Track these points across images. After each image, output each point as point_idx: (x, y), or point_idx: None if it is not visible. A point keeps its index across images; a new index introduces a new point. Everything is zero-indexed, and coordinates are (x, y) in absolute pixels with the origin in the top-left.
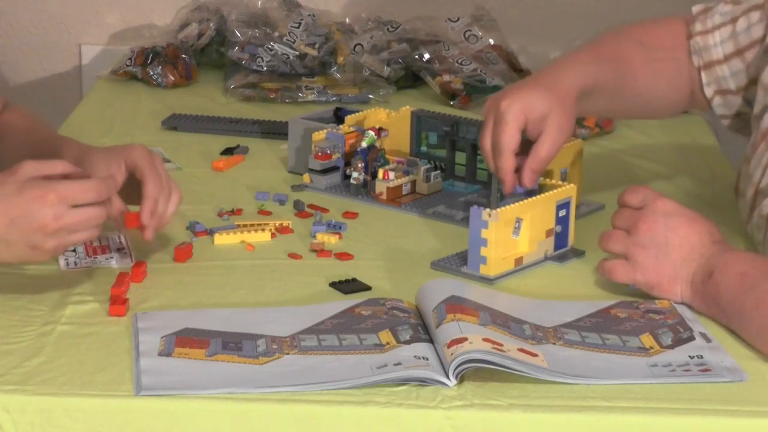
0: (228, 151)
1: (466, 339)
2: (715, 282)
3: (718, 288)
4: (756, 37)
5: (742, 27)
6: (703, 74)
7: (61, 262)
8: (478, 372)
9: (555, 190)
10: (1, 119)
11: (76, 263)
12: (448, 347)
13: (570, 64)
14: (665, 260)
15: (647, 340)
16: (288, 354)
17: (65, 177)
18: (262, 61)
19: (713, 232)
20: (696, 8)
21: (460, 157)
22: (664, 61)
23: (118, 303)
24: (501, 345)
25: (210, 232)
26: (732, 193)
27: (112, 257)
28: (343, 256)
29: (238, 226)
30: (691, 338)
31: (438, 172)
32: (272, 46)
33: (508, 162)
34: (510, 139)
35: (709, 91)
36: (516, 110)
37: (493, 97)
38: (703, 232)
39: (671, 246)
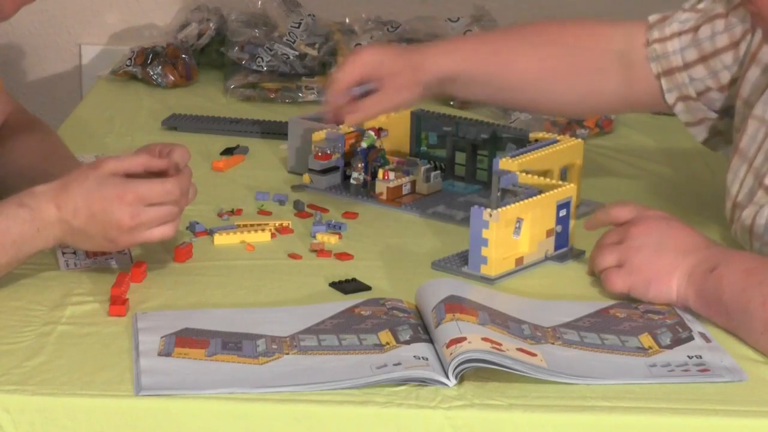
0: (228, 151)
1: (465, 339)
2: (719, 275)
3: (722, 282)
4: (720, 45)
5: (706, 35)
6: (663, 81)
7: (61, 262)
8: (478, 372)
9: (555, 190)
10: (19, 139)
11: (76, 264)
12: (447, 347)
13: (446, 47)
14: (663, 254)
15: (646, 340)
16: (288, 354)
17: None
18: (262, 61)
19: (709, 238)
20: (652, 17)
21: (460, 157)
22: (563, 57)
23: (118, 303)
24: (500, 344)
25: (210, 232)
26: None
27: (111, 258)
28: (342, 256)
29: (238, 226)
30: (690, 338)
31: (438, 172)
32: (272, 46)
33: (333, 94)
34: (344, 76)
35: (670, 98)
36: (366, 57)
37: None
38: (700, 235)
39: (668, 241)
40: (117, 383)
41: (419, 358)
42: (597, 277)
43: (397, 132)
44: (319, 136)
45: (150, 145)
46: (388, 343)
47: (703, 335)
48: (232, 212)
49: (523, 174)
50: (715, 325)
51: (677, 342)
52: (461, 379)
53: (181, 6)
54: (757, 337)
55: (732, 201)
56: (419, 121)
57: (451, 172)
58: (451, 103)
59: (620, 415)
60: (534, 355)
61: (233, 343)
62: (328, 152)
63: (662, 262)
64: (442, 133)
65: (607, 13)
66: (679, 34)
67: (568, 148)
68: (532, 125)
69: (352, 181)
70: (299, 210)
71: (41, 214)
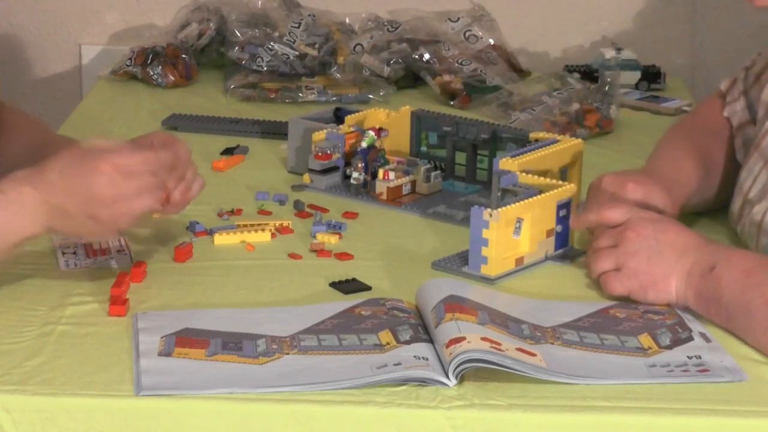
0: (228, 151)
1: (464, 338)
2: (717, 276)
3: (720, 283)
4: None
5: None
6: (736, 136)
7: (61, 262)
8: (478, 372)
9: (555, 190)
10: (5, 136)
11: (76, 264)
12: (447, 347)
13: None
14: (659, 259)
15: (645, 340)
16: (288, 354)
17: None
18: (262, 61)
19: (705, 236)
20: (724, 84)
21: (460, 157)
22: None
23: (118, 303)
24: (499, 344)
25: (210, 232)
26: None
27: (112, 258)
28: (343, 256)
29: (238, 226)
30: (690, 338)
31: (438, 172)
32: (272, 46)
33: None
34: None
35: (740, 155)
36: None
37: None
38: (695, 234)
39: (664, 245)
40: (117, 383)
41: (419, 358)
42: (594, 279)
43: (397, 132)
44: (319, 136)
45: (151, 135)
46: (388, 343)
47: (703, 335)
48: (232, 212)
49: (523, 174)
50: (716, 325)
51: (677, 342)
52: (461, 379)
53: (181, 6)
54: (758, 338)
55: (743, 197)
56: (419, 121)
57: (451, 172)
58: (451, 103)
59: (620, 415)
60: (533, 355)
61: (233, 343)
62: (328, 152)
63: (659, 265)
64: (442, 133)
65: (605, 11)
66: (744, 92)
67: (568, 148)
68: (532, 125)
69: (352, 181)
70: (299, 210)
71: (19, 197)
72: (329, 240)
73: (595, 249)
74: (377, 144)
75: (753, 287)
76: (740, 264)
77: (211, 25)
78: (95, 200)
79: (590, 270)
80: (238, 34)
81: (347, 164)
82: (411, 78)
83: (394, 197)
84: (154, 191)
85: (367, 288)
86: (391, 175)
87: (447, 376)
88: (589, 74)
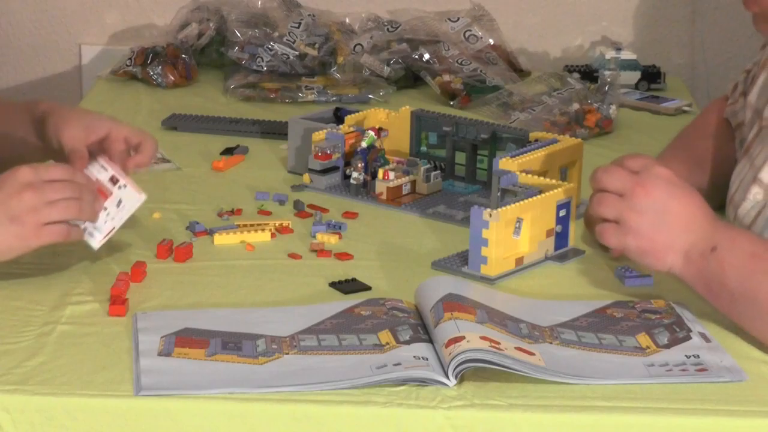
0: (228, 151)
1: (463, 338)
2: (719, 258)
3: (723, 265)
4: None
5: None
6: (735, 134)
7: (91, 242)
8: (478, 372)
9: (555, 190)
10: None
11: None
12: (446, 347)
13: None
14: (662, 227)
15: (643, 339)
16: (287, 354)
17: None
18: (262, 61)
19: (712, 211)
20: (729, 87)
21: (460, 157)
22: None
23: (118, 303)
24: (498, 343)
25: (210, 232)
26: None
27: (123, 186)
28: (342, 256)
29: (238, 226)
30: (688, 338)
31: (438, 172)
32: (272, 46)
33: None
34: None
35: (738, 155)
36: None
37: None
38: (704, 206)
39: (670, 213)
40: (117, 383)
41: (419, 358)
42: (599, 276)
43: (397, 132)
44: (319, 136)
45: (112, 139)
46: (387, 343)
47: (702, 335)
48: (232, 212)
49: (523, 174)
50: (716, 318)
51: (675, 341)
52: (461, 379)
53: (181, 6)
54: (761, 327)
55: (730, 198)
56: (419, 121)
57: (451, 172)
58: (451, 103)
59: (620, 415)
60: (532, 354)
61: (233, 343)
62: (328, 152)
63: (661, 234)
64: (442, 133)
65: (605, 11)
66: (743, 93)
67: (568, 148)
68: (532, 125)
69: (352, 181)
70: (299, 210)
71: None
72: (329, 240)
73: (602, 188)
74: (377, 144)
75: (759, 273)
76: (745, 247)
77: (211, 25)
78: (16, 197)
79: (591, 208)
80: (238, 34)
81: (347, 164)
82: (411, 78)
83: (394, 197)
84: (74, 200)
85: (367, 288)
86: (391, 175)
87: (447, 376)
88: (589, 74)
